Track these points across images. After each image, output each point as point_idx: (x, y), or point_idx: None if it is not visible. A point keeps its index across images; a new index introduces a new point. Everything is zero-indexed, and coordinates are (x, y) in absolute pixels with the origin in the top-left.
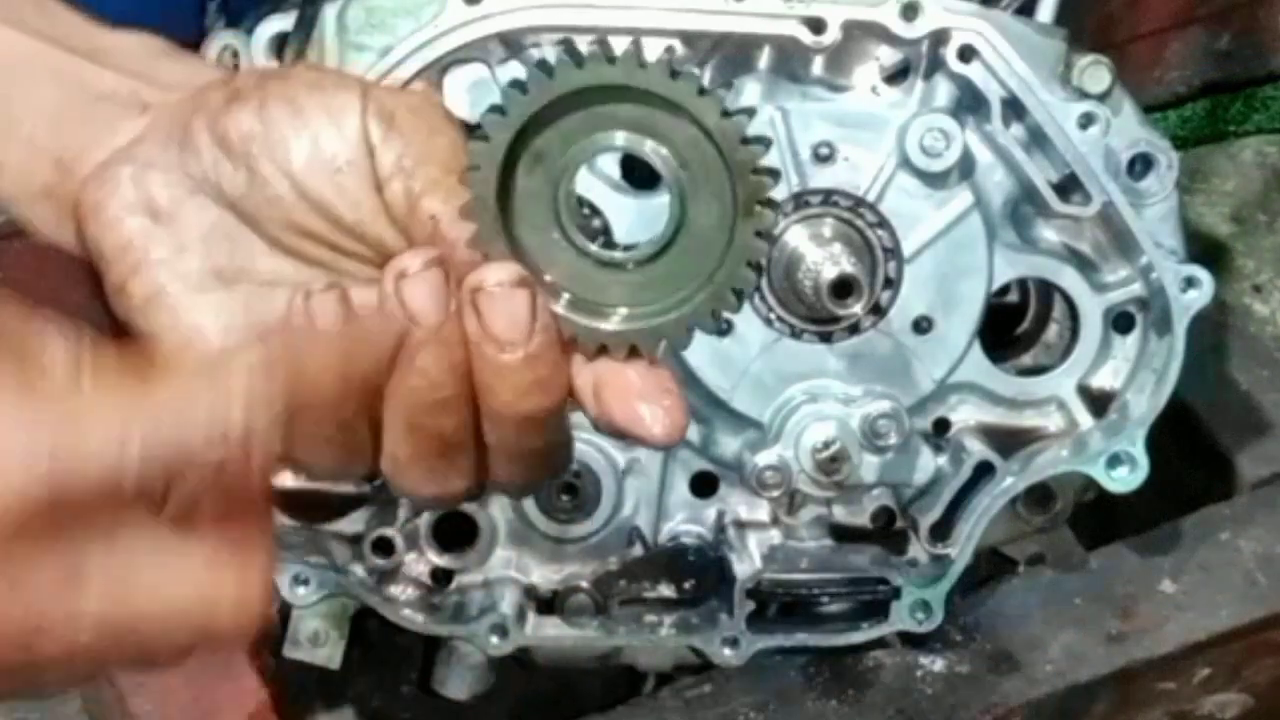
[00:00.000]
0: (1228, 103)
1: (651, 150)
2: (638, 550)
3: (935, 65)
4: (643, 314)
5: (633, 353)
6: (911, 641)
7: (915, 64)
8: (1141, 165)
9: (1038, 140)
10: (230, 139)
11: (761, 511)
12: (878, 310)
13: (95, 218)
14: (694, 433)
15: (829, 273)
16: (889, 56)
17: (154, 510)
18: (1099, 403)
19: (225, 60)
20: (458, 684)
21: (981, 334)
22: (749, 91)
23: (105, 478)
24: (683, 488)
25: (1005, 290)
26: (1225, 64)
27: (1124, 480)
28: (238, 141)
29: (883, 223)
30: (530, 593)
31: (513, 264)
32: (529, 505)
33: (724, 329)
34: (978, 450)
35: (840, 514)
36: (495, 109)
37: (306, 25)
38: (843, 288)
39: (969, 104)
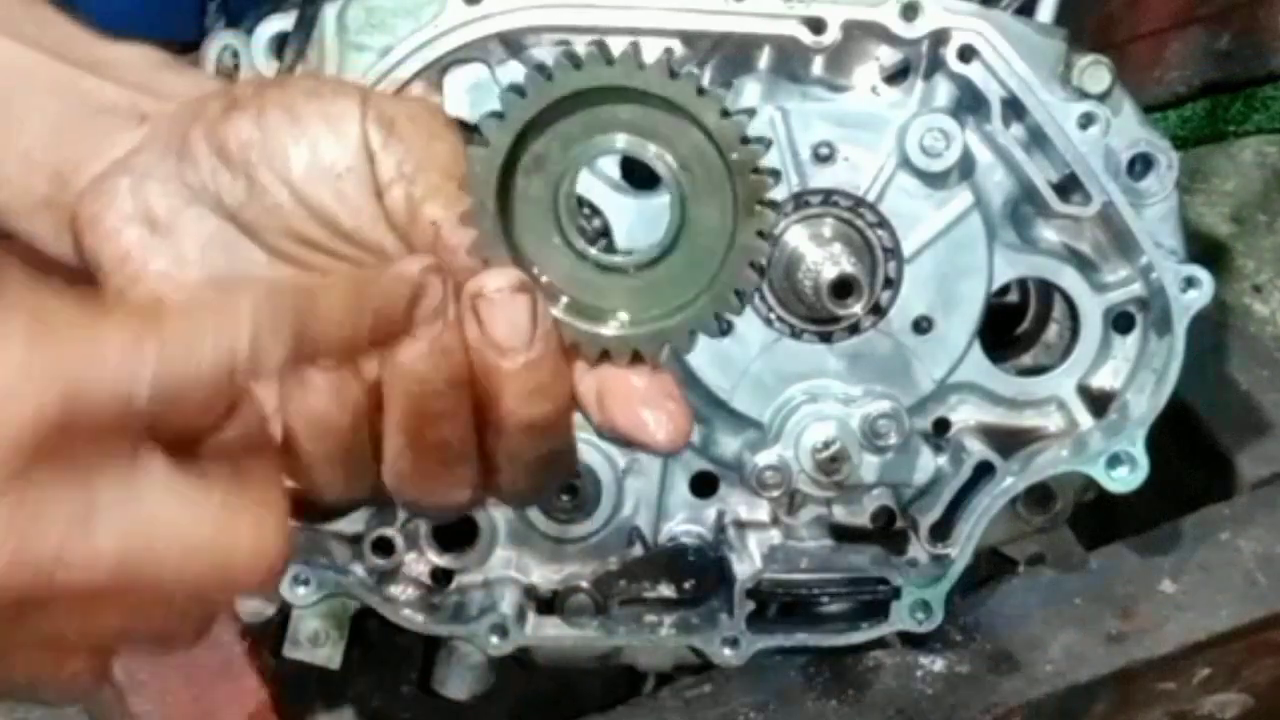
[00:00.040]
0: (1228, 103)
1: (652, 153)
2: (638, 550)
3: (935, 65)
4: (645, 318)
5: (635, 358)
6: (911, 641)
7: (915, 64)
8: (1141, 165)
9: (1038, 140)
10: (229, 148)
11: (761, 511)
12: (878, 310)
13: (93, 229)
14: (694, 433)
15: (829, 273)
16: (889, 56)
17: (169, 452)
18: (1099, 403)
19: (225, 60)
20: (458, 684)
21: (981, 334)
22: (749, 91)
23: (119, 403)
24: (683, 488)
25: (1005, 290)
26: (1225, 64)
27: (1124, 480)
28: (236, 150)
29: (883, 223)
30: (530, 593)
31: (513, 269)
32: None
33: (725, 330)
34: (978, 450)
35: (840, 514)
36: (494, 113)
37: (306, 25)
38: (843, 288)
39: (969, 104)
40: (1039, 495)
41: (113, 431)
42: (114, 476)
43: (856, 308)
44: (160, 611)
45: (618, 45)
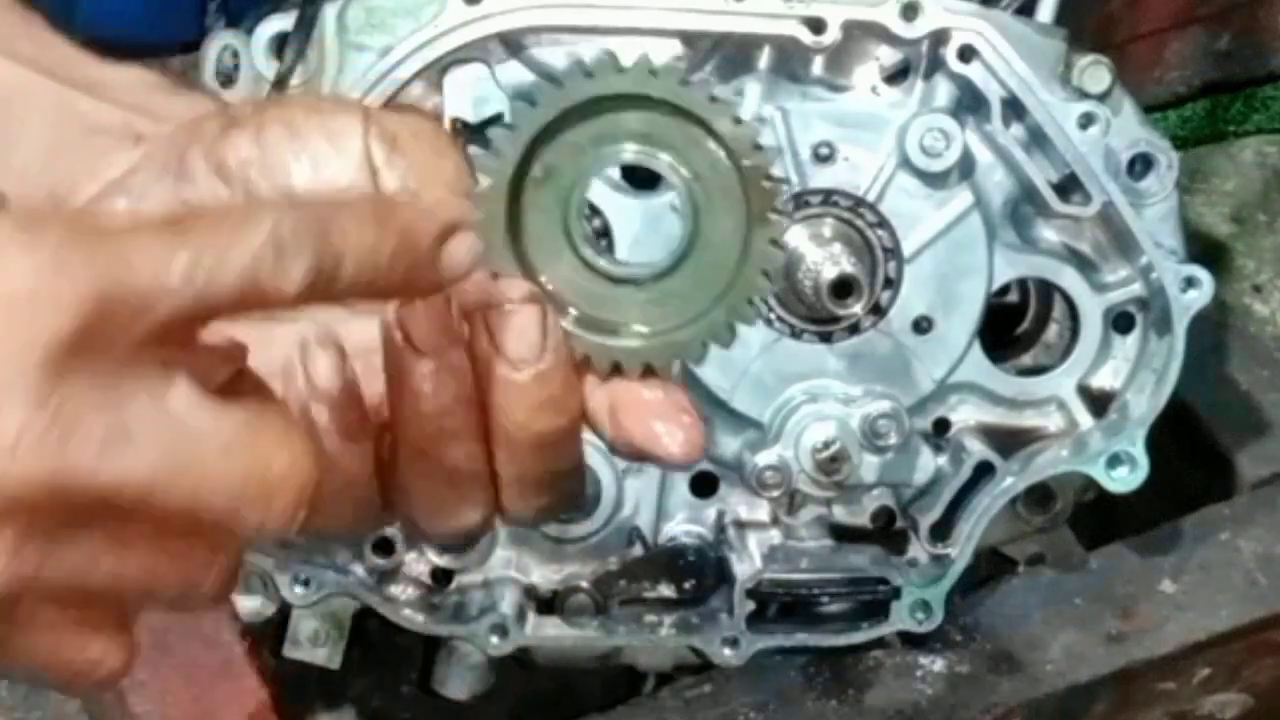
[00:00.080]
0: (1228, 103)
1: (664, 162)
2: (638, 550)
3: (935, 65)
4: (657, 330)
5: (647, 371)
6: (911, 641)
7: (915, 64)
8: (1141, 165)
9: (1038, 140)
10: (228, 166)
11: (761, 511)
12: (878, 310)
13: None
14: None
15: (829, 273)
16: (889, 56)
17: (195, 377)
18: (1099, 403)
19: (225, 60)
20: (458, 684)
21: (981, 334)
22: (749, 92)
23: (151, 308)
24: (683, 488)
25: (1005, 290)
26: (1225, 64)
27: (1124, 480)
28: (235, 167)
29: (883, 223)
30: (530, 593)
31: (523, 281)
32: None
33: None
34: (978, 450)
35: (840, 514)
36: (504, 124)
37: (306, 25)
38: (843, 288)
39: (969, 104)
40: (1039, 495)
41: (144, 342)
42: (146, 388)
43: (856, 308)
44: (189, 546)
45: (626, 53)
